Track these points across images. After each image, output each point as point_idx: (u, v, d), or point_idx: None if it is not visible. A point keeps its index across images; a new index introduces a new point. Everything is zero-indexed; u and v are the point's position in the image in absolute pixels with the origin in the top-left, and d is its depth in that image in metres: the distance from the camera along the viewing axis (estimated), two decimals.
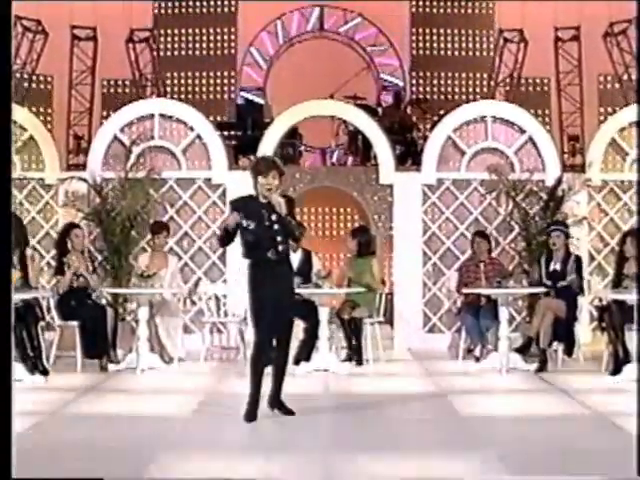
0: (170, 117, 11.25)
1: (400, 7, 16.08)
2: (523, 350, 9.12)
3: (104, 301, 10.00)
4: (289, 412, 6.52)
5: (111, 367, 9.02)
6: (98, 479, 4.71)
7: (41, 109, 14.74)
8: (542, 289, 9.13)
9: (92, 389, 8.00)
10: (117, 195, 10.54)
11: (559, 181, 10.73)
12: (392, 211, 11.18)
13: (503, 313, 8.81)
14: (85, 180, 10.75)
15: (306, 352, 8.94)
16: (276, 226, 6.33)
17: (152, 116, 11.24)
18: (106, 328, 9.12)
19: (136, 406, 7.25)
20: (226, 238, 6.44)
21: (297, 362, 8.78)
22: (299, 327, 8.85)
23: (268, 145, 11.13)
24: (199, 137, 11.23)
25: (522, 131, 11.25)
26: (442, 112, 13.08)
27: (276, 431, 6.27)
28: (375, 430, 6.21)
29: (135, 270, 9.54)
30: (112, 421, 6.56)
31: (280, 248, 6.36)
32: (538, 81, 15.64)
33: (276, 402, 6.54)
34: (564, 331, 9.08)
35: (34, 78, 15.06)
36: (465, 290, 9.54)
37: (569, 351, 9.17)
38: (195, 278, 11.01)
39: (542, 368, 8.87)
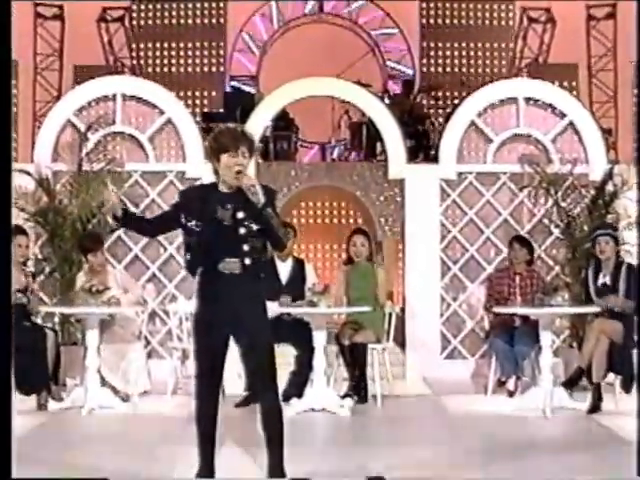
0: (135, 98, 10.05)
1: None
2: (571, 384, 7.75)
3: (56, 319, 8.94)
4: None
5: (52, 405, 7.64)
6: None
7: None
8: (595, 308, 7.79)
9: (19, 439, 6.19)
10: (69, 191, 9.31)
11: (610, 174, 9.37)
12: (403, 211, 10.13)
13: (545, 338, 7.58)
14: (29, 173, 9.32)
15: (298, 387, 7.76)
16: (243, 229, 4.65)
17: (113, 97, 10.03)
18: (46, 356, 7.72)
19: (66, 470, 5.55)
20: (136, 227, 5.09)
21: (287, 399, 7.44)
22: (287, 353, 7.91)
23: (253, 132, 9.31)
24: (170, 122, 10.04)
25: (561, 115, 10.07)
26: (457, 101, 12.35)
27: None
28: None
29: (82, 284, 8.07)
30: None
31: (247, 260, 4.66)
32: (566, 67, 14.66)
33: (273, 471, 4.68)
34: (621, 360, 7.61)
35: None
36: (497, 309, 8.23)
37: (627, 385, 7.66)
38: (165, 293, 9.73)
39: (596, 408, 7.45)
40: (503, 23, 15.26)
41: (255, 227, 4.62)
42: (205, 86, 15.21)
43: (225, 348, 4.71)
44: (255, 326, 4.68)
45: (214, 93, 14.93)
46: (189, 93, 15.00)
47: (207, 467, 4.77)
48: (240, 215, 4.62)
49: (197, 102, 15.02)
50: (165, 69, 15.17)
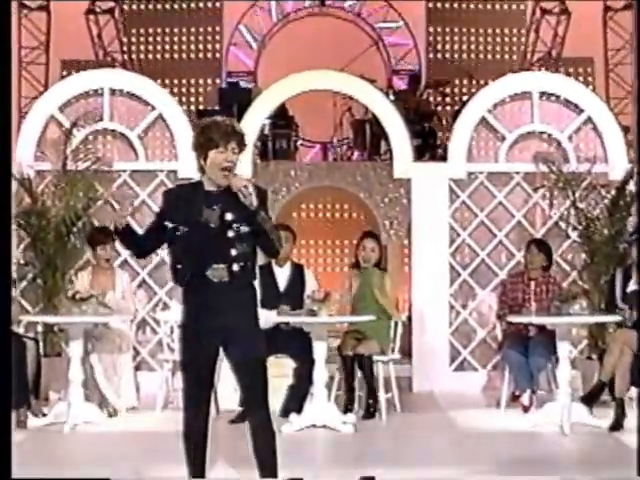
0: (124, 93, 9.85)
1: None
2: (591, 399, 7.57)
3: (39, 328, 8.83)
4: None
5: (33, 422, 7.45)
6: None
7: None
8: (617, 317, 7.65)
9: None
10: (53, 192, 9.17)
11: (631, 173, 9.16)
12: (409, 214, 9.95)
13: (563, 349, 7.39)
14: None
15: (297, 401, 7.59)
16: (231, 232, 4.47)
17: (101, 91, 9.83)
18: (25, 369, 7.53)
19: None
20: (130, 242, 4.73)
21: (285, 414, 7.46)
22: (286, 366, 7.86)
23: (250, 129, 9.41)
24: (161, 118, 9.83)
25: (579, 110, 9.86)
26: (466, 97, 12.66)
27: None
28: None
29: (67, 291, 8.06)
30: None
31: (235, 267, 4.48)
32: (581, 61, 14.81)
33: None
34: None
35: None
36: (510, 318, 8.04)
37: None
38: (156, 300, 9.53)
39: (618, 425, 7.20)
40: (515, 13, 15.22)
41: (245, 230, 4.45)
42: (200, 82, 15.16)
43: (214, 361, 4.57)
44: (246, 338, 4.51)
45: (209, 89, 14.91)
46: (183, 90, 15.01)
47: None
48: (229, 217, 4.44)
49: (192, 99, 15.02)
50: (158, 64, 15.04)
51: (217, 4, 15.45)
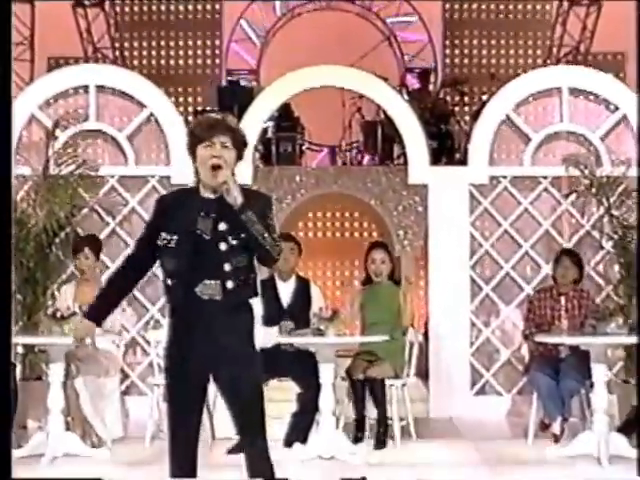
0: (112, 90, 9.82)
1: None
2: (629, 428, 7.41)
3: (19, 349, 8.51)
4: None
5: None
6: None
7: None
8: None
9: None
10: (33, 199, 9.07)
11: None
12: (425, 223, 9.90)
13: (598, 373, 7.19)
14: None
15: (301, 430, 7.45)
16: (224, 244, 4.30)
17: (86, 88, 9.79)
18: None
19: None
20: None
21: (289, 444, 7.33)
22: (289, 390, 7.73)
23: (250, 130, 9.32)
24: (153, 118, 9.79)
25: (613, 108, 9.77)
26: (486, 97, 12.15)
27: None
28: None
29: (47, 308, 8.03)
30: None
31: (229, 283, 4.31)
32: (611, 57, 14.94)
33: None
34: None
35: None
36: (539, 337, 7.86)
37: None
38: (147, 317, 9.44)
39: None
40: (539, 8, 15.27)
41: (241, 242, 4.29)
42: (198, 80, 15.23)
43: (203, 388, 4.42)
44: (239, 364, 4.34)
45: (208, 88, 14.85)
46: (180, 89, 15.04)
47: None
48: (222, 227, 4.27)
49: (189, 99, 15.10)
50: (152, 61, 15.18)
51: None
